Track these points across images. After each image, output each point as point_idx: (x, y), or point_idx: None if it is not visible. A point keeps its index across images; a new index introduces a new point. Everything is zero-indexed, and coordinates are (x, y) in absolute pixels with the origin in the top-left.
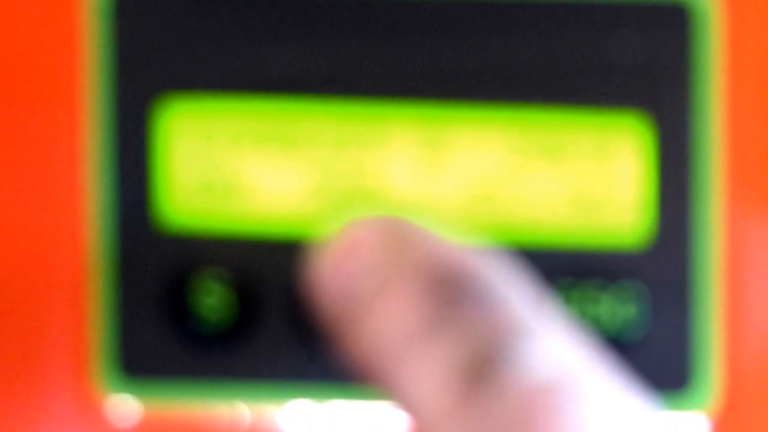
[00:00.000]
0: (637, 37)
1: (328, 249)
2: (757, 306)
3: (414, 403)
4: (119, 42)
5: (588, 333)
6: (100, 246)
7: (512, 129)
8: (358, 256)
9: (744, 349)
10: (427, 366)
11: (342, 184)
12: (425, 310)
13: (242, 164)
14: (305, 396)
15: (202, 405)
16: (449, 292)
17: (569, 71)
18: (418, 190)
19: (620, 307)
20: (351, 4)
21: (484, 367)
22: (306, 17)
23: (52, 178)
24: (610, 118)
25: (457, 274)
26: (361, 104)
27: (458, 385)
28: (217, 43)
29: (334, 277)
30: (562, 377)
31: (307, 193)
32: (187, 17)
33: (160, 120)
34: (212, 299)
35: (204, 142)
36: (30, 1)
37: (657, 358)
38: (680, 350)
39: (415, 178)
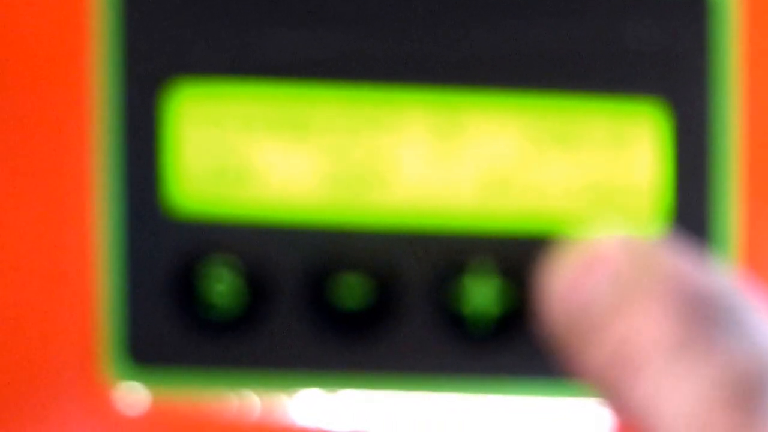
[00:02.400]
0: (655, 23)
1: (567, 261)
2: None
3: (664, 419)
4: (128, 26)
5: None
6: (109, 232)
7: (527, 115)
8: (603, 269)
9: None
10: (684, 384)
11: (354, 169)
12: (678, 328)
13: (253, 149)
14: (316, 385)
15: (211, 393)
16: (704, 314)
17: (585, 57)
18: (432, 176)
19: None
20: None
21: (750, 395)
22: (318, 1)
23: (60, 163)
24: (627, 105)
25: (711, 298)
26: (375, 89)
27: (722, 408)
28: (227, 27)
29: (574, 288)
30: None
31: (319, 178)
32: (196, 0)
33: (170, 104)
34: (222, 286)
35: (214, 127)
36: None
37: None
38: None
39: (428, 164)
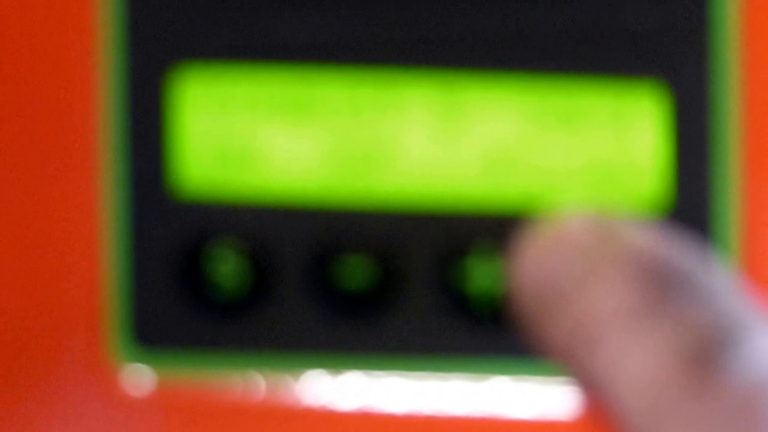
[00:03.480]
0: (655, 4)
1: (534, 239)
2: None
3: (623, 385)
4: (133, 10)
5: None
6: (115, 215)
7: (529, 96)
8: (568, 245)
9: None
10: (641, 350)
11: (358, 151)
12: (638, 295)
13: (257, 132)
14: (321, 365)
15: (216, 374)
16: (663, 281)
17: (586, 39)
18: (435, 158)
19: None
20: None
21: (706, 354)
22: None
23: (66, 147)
24: (627, 86)
25: (670, 266)
26: (377, 71)
27: (679, 369)
28: (230, 12)
29: (539, 265)
30: None
31: (323, 160)
32: None
33: (175, 88)
34: (227, 267)
35: (219, 111)
36: None
37: None
38: None
39: (430, 145)
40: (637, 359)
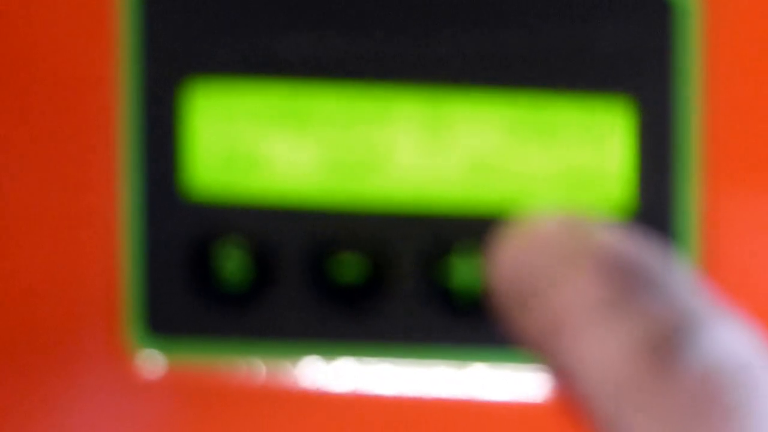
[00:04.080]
0: (623, 26)
1: (510, 238)
2: (734, 277)
3: (590, 372)
4: (148, 28)
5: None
6: (131, 214)
7: (509, 110)
8: (542, 241)
9: None
10: (607, 339)
11: (352, 158)
12: (605, 290)
13: (261, 140)
14: (316, 353)
15: (222, 360)
16: (628, 277)
17: (560, 58)
18: (422, 165)
19: None
20: None
21: (666, 345)
22: (320, 6)
23: (86, 152)
24: (598, 102)
25: (635, 264)
26: (371, 86)
27: (642, 360)
28: (238, 31)
29: (514, 261)
30: (742, 364)
31: (320, 166)
32: (211, 6)
33: (186, 100)
34: (232, 263)
35: (226, 120)
36: None
37: None
38: None
39: (419, 153)
40: (602, 349)
